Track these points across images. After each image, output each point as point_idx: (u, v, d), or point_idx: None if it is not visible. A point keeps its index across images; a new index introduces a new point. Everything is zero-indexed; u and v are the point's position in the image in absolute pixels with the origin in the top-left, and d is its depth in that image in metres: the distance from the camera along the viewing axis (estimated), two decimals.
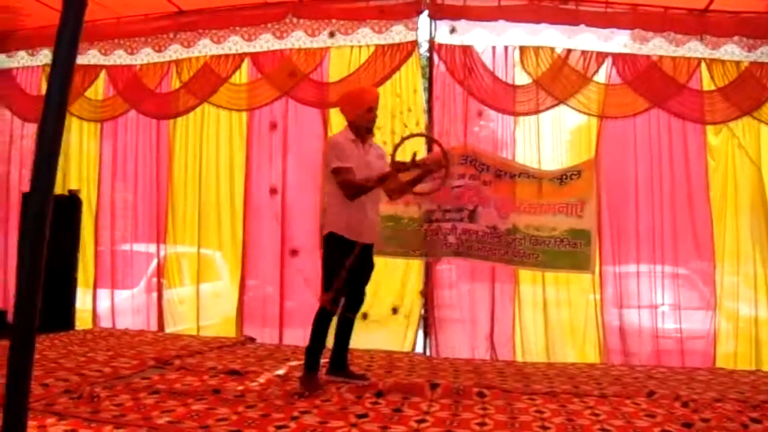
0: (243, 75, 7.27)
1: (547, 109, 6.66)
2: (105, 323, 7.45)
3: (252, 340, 6.73)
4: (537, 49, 6.66)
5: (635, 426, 3.72)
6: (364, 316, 6.32)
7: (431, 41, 6.79)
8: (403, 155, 4.59)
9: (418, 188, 4.87)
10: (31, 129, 7.94)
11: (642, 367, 6.00)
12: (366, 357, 5.95)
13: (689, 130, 6.59)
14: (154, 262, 7.44)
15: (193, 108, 7.32)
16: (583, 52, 6.63)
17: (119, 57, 7.56)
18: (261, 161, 7.20)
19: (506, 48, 6.74)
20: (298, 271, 6.95)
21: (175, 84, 7.43)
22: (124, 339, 6.50)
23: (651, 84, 6.54)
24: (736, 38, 6.52)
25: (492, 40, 6.73)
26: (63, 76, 1.83)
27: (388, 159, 4.71)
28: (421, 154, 5.24)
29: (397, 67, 6.75)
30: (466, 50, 6.72)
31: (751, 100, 6.44)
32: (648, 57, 6.60)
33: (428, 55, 6.92)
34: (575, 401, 4.31)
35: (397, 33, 6.78)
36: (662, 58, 6.59)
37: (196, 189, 7.33)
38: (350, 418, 3.74)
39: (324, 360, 4.67)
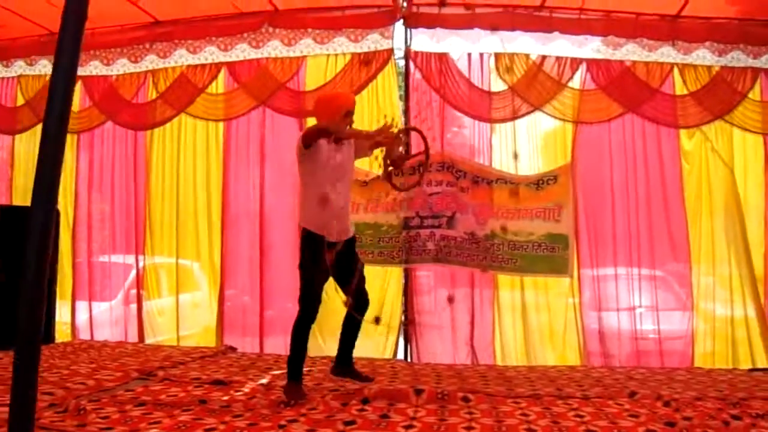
0: (219, 85, 7.26)
1: (523, 115, 6.72)
2: (83, 335, 7.37)
3: (233, 349, 6.69)
4: (512, 56, 6.72)
5: (620, 426, 3.77)
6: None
7: (407, 49, 6.83)
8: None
9: (402, 182, 4.74)
10: (6, 141, 7.90)
11: (622, 369, 6.06)
12: None
13: (663, 135, 6.69)
14: (132, 273, 7.39)
15: (170, 119, 7.28)
16: (558, 59, 6.71)
17: (95, 68, 7.50)
18: (238, 171, 7.19)
19: (481, 55, 6.80)
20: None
21: (152, 94, 7.40)
22: (105, 351, 6.43)
23: (625, 89, 6.63)
24: (707, 43, 6.65)
25: (467, 48, 6.80)
26: (64, 90, 1.83)
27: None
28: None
29: (374, 76, 6.78)
30: (442, 58, 6.76)
31: (723, 104, 6.56)
32: (621, 62, 6.70)
33: (404, 62, 6.95)
34: (559, 403, 4.35)
35: (373, 41, 6.82)
36: (635, 63, 6.69)
37: (174, 200, 7.29)
38: (338, 426, 3.75)
39: (307, 370, 4.64)
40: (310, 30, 6.93)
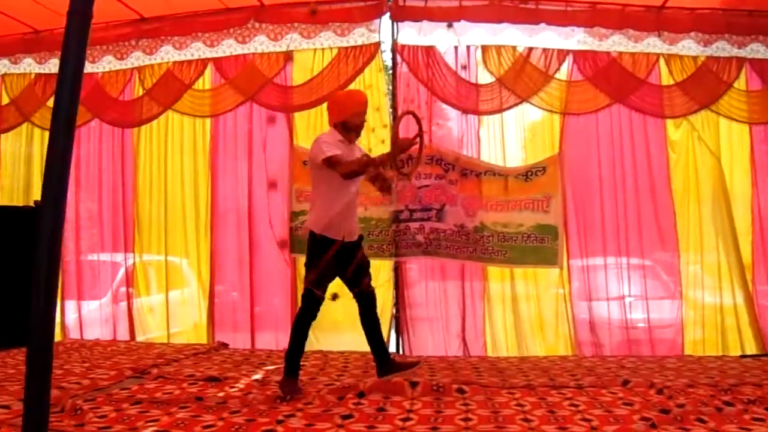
0: (206, 81, 7.22)
1: (511, 107, 6.74)
2: (74, 334, 7.33)
3: (225, 345, 6.68)
4: (499, 48, 6.73)
5: (615, 414, 3.79)
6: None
7: (394, 43, 6.83)
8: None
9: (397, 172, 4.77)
10: None
11: (613, 358, 6.11)
12: (341, 359, 5.95)
13: (650, 125, 6.72)
14: (121, 271, 7.36)
15: (156, 116, 7.24)
16: (545, 50, 6.72)
17: None
18: (226, 167, 7.17)
19: (468, 48, 6.80)
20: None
21: (138, 91, 7.35)
22: (97, 350, 6.40)
23: (611, 80, 6.66)
24: (692, 34, 6.69)
25: (454, 41, 6.79)
26: (71, 90, 1.82)
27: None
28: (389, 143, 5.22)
29: (361, 70, 6.77)
30: (429, 51, 6.76)
31: (709, 93, 6.60)
32: (608, 53, 6.72)
33: (391, 56, 6.95)
34: (553, 393, 4.39)
35: (360, 35, 6.81)
36: (621, 54, 6.72)
37: (162, 197, 7.26)
38: (336, 420, 3.76)
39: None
40: (296, 25, 6.91)
